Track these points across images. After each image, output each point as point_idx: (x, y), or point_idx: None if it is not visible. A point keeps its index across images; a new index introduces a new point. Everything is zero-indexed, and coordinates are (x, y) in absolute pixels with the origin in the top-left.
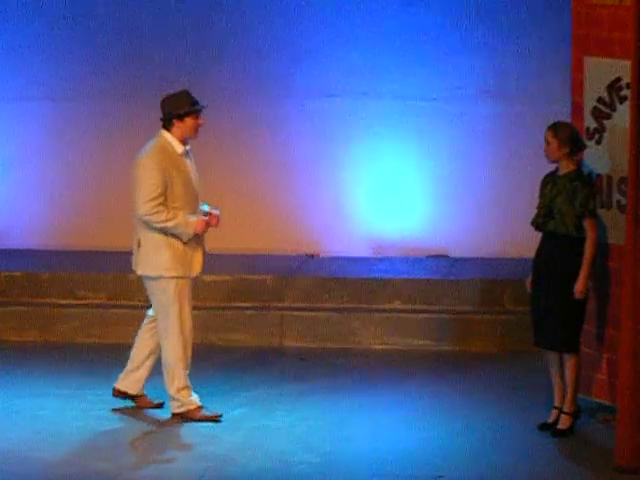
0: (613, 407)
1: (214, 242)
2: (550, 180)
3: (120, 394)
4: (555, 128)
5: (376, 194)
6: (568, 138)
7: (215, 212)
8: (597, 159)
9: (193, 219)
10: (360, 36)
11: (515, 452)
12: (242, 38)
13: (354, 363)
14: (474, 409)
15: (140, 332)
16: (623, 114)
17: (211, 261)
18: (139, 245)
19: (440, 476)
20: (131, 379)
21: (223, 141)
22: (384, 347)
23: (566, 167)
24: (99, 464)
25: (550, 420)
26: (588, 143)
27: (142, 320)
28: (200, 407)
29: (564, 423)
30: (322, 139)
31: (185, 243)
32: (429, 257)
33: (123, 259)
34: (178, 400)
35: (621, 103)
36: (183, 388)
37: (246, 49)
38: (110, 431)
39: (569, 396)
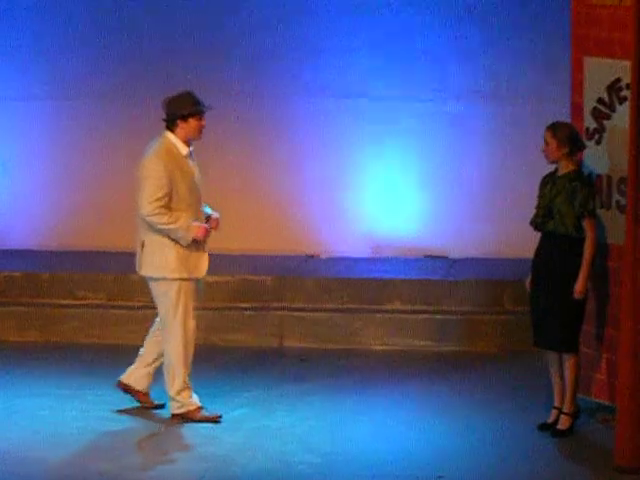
0: (613, 407)
1: (216, 243)
2: (549, 180)
3: (124, 387)
4: (554, 128)
5: (376, 194)
6: (567, 138)
7: (215, 215)
8: (597, 159)
9: (195, 225)
10: (360, 37)
11: (515, 452)
12: (244, 39)
13: (355, 364)
14: (474, 409)
15: (151, 331)
16: (623, 115)
17: (212, 262)
18: (143, 246)
19: (440, 476)
20: (138, 375)
21: (223, 141)
22: (384, 348)
23: (565, 167)
24: (99, 464)
25: (550, 420)
26: (588, 143)
27: (142, 320)
28: (200, 408)
29: (564, 423)
30: (322, 139)
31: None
32: (427, 257)
33: (123, 259)
34: (178, 401)
35: (621, 104)
36: (183, 389)
37: (254, 50)
38: (110, 432)
39: (568, 396)
